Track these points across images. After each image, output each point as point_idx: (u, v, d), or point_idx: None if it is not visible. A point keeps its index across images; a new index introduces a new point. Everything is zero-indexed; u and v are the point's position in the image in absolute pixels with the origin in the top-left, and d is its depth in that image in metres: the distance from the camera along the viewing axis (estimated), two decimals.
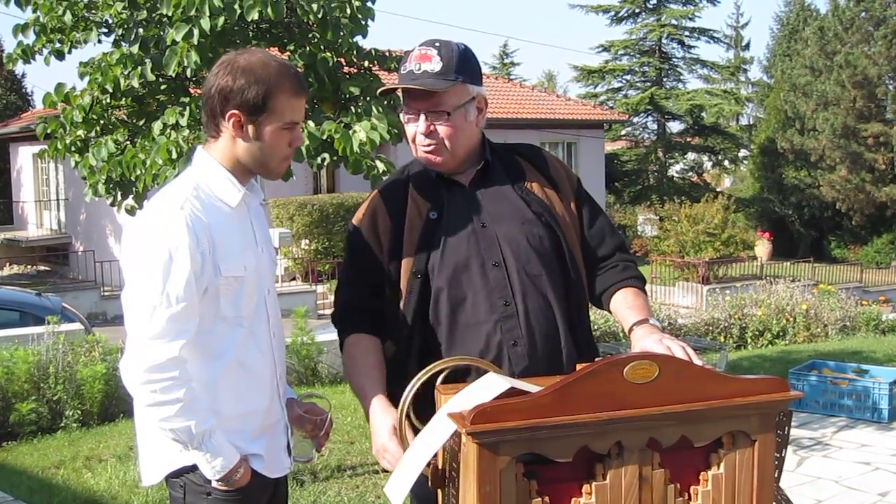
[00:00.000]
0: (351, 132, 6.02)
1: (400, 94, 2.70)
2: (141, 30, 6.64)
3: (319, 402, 2.85)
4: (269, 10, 6.03)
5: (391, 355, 2.69)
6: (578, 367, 2.39)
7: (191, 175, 2.58)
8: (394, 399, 2.47)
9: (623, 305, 2.71)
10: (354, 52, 6.81)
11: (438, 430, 2.10)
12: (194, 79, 6.90)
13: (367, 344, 2.70)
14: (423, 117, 2.65)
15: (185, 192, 2.49)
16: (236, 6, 6.09)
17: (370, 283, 2.72)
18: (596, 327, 11.53)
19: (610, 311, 2.80)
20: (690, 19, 41.18)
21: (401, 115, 2.74)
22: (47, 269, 27.35)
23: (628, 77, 42.40)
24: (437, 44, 2.65)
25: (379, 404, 2.53)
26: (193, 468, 2.49)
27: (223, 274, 2.48)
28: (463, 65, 2.65)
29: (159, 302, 2.38)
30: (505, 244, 2.65)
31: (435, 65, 2.61)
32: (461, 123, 2.67)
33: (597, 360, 2.47)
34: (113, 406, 8.49)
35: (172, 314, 2.38)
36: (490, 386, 2.08)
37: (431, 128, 2.65)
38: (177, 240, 2.40)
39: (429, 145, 2.67)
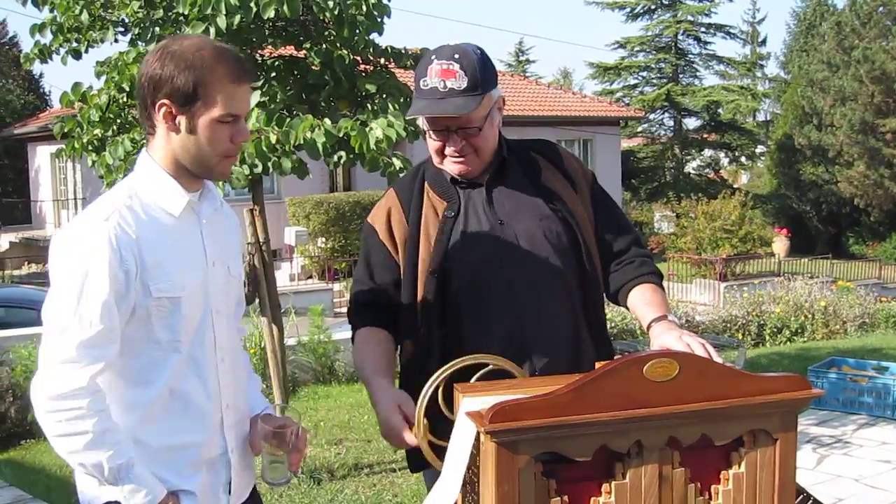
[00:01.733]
0: (367, 130, 6.01)
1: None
2: (157, 28, 6.65)
3: (290, 414, 2.61)
4: (285, 7, 6.03)
5: (410, 355, 2.68)
6: (597, 365, 2.38)
7: (129, 180, 2.34)
8: (413, 399, 2.46)
9: (641, 302, 2.69)
10: (371, 50, 6.81)
11: (466, 433, 2.09)
12: None
13: (377, 335, 2.69)
14: (454, 136, 2.61)
15: (116, 202, 2.24)
16: (252, 4, 6.09)
17: (385, 281, 2.71)
18: (613, 325, 11.51)
19: (627, 308, 2.78)
20: (706, 15, 41.11)
21: (426, 131, 2.67)
22: None
23: (644, 74, 42.37)
24: (457, 55, 2.57)
25: (381, 384, 2.52)
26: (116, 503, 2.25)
27: (154, 295, 2.22)
28: (485, 73, 2.59)
29: (70, 324, 2.16)
30: (523, 241, 2.63)
31: (461, 81, 2.54)
32: (489, 132, 2.64)
33: (616, 357, 2.46)
34: None
35: (84, 339, 2.15)
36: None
37: (463, 143, 2.62)
38: (95, 257, 2.16)
39: (460, 159, 2.64)
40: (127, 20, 6.97)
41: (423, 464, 2.45)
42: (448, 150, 2.64)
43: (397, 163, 6.22)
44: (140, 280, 2.21)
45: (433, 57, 2.58)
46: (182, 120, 2.25)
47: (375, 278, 2.73)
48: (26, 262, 27.51)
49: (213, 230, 2.43)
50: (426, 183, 2.75)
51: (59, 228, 29.50)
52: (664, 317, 2.57)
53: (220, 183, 6.32)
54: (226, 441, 2.43)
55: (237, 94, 2.29)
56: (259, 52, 7.05)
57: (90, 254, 2.16)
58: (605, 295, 2.82)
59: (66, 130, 7.04)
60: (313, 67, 6.87)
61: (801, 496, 2.23)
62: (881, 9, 32.32)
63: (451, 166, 2.67)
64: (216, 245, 2.43)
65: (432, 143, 2.67)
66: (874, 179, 31.97)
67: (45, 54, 7.14)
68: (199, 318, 2.34)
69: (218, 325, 2.40)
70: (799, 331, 13.17)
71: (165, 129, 2.28)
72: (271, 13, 6.08)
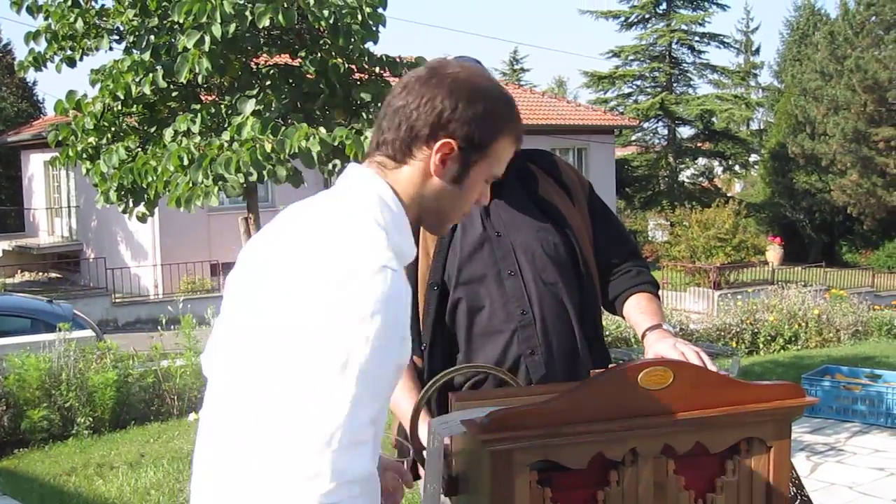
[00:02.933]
0: (362, 138, 6.02)
1: None
2: (152, 37, 6.67)
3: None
4: (280, 16, 6.05)
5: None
6: (592, 373, 2.38)
7: (370, 210, 1.81)
8: None
9: (636, 310, 2.70)
10: (366, 59, 6.83)
11: (430, 447, 2.10)
12: (205, 85, 6.92)
13: None
14: None
15: (380, 242, 1.73)
16: (248, 13, 6.11)
17: None
18: (608, 333, 11.51)
19: (623, 317, 2.78)
20: (700, 24, 41.20)
21: None
22: (58, 276, 27.42)
23: (638, 82, 42.43)
24: None
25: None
26: None
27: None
28: None
29: (363, 395, 1.64)
30: (520, 252, 2.63)
31: None
32: None
33: (611, 366, 2.47)
34: (124, 413, 8.50)
35: (373, 413, 1.66)
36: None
37: None
38: (380, 318, 1.65)
39: None
40: (122, 28, 6.99)
41: (416, 475, 2.45)
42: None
43: None
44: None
45: None
46: (454, 167, 1.88)
47: None
48: (19, 270, 27.48)
49: None
50: None
51: (52, 235, 29.48)
52: (659, 325, 2.58)
53: (216, 191, 6.33)
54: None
55: (509, 156, 1.99)
56: (254, 60, 7.06)
57: (373, 313, 1.65)
58: (602, 304, 2.82)
59: (60, 138, 7.05)
60: (308, 76, 6.89)
61: (795, 488, 2.23)
62: (874, 18, 32.41)
63: None
64: None
65: None
66: (867, 188, 32.04)
67: (39, 62, 7.15)
68: None
69: None
70: (793, 339, 13.18)
71: (426, 168, 1.87)
72: (266, 22, 6.10)
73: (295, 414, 1.62)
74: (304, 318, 1.65)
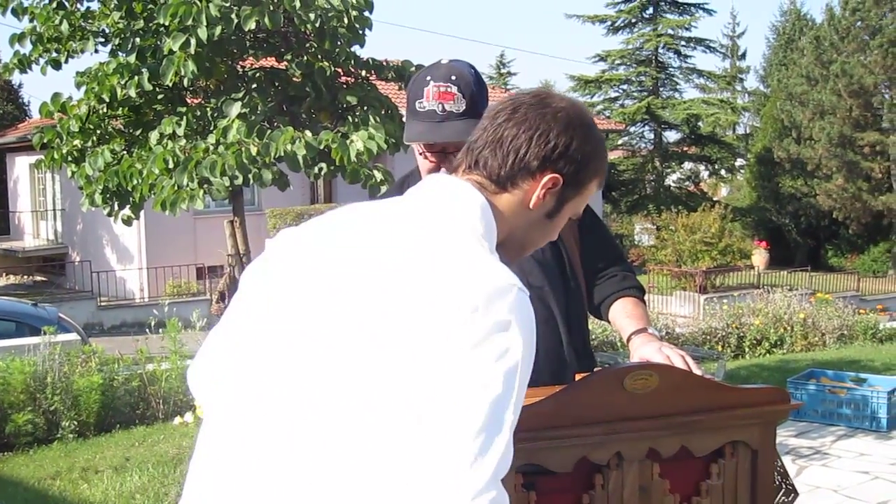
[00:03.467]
0: (348, 142, 6.02)
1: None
2: (138, 39, 6.65)
3: None
4: (266, 19, 6.04)
5: None
6: (577, 377, 2.38)
7: (476, 228, 1.74)
8: None
9: (622, 314, 2.69)
10: (352, 62, 6.83)
11: None
12: (191, 88, 6.91)
13: None
14: (451, 157, 2.52)
15: (498, 262, 1.67)
16: (234, 16, 6.10)
17: None
18: (593, 337, 11.52)
19: (608, 321, 2.78)
20: (686, 29, 41.28)
21: (417, 152, 2.61)
22: (44, 279, 27.32)
23: (625, 87, 42.50)
24: (454, 77, 2.52)
25: None
26: None
27: None
28: (480, 94, 2.55)
29: (503, 425, 1.51)
30: None
31: (459, 104, 2.50)
32: None
33: (596, 369, 2.46)
34: (109, 417, 8.46)
35: (505, 443, 1.52)
36: None
37: None
38: (524, 335, 1.55)
39: None
40: (107, 30, 6.98)
41: None
42: (443, 172, 2.60)
43: (378, 175, 6.23)
44: None
45: (428, 78, 2.53)
46: (551, 202, 1.85)
47: None
48: (4, 274, 27.38)
49: None
50: None
51: (37, 238, 29.36)
52: (644, 329, 2.58)
53: (201, 194, 6.32)
54: None
55: (593, 195, 1.97)
56: (240, 63, 7.05)
57: (518, 331, 1.55)
58: (588, 308, 2.82)
59: (45, 141, 7.03)
60: (294, 79, 6.88)
61: (780, 477, 2.23)
62: (859, 23, 32.54)
63: None
64: None
65: (426, 164, 2.62)
66: (852, 192, 32.17)
67: (24, 64, 7.13)
68: None
69: None
70: (778, 343, 13.20)
71: (526, 199, 1.82)
72: (252, 25, 6.09)
73: (446, 440, 1.47)
74: (434, 344, 1.51)
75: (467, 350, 1.50)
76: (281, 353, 1.63)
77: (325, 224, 1.77)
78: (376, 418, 1.51)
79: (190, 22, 6.03)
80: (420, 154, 2.62)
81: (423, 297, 1.55)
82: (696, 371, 2.19)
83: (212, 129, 6.54)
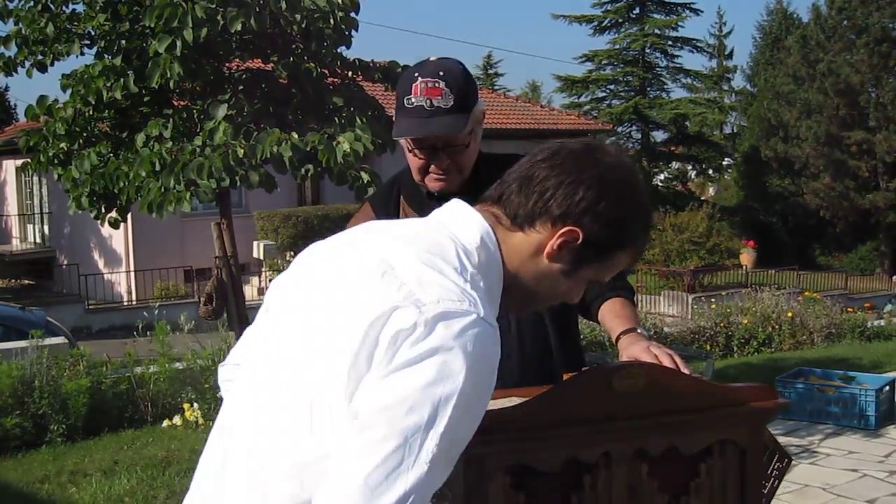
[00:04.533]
0: (335, 143, 6.01)
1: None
2: (124, 41, 6.64)
3: None
4: (252, 21, 6.03)
5: None
6: (565, 377, 2.38)
7: (472, 261, 1.66)
8: None
9: (611, 314, 2.69)
10: (338, 63, 6.82)
11: None
12: (177, 90, 6.89)
13: None
14: (440, 154, 2.55)
15: (476, 297, 1.57)
16: (219, 17, 6.09)
17: None
18: (582, 336, 11.51)
19: (598, 321, 2.78)
20: (673, 29, 41.37)
21: (406, 149, 2.60)
22: (31, 282, 27.22)
23: (612, 87, 42.56)
24: (442, 72, 2.50)
25: None
26: None
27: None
28: (469, 89, 2.54)
29: (434, 457, 1.44)
30: None
31: (447, 99, 2.47)
32: (473, 147, 2.61)
33: (584, 369, 2.46)
34: (98, 420, 8.43)
35: (420, 476, 1.42)
36: None
37: (448, 161, 2.58)
38: (468, 365, 1.47)
39: (443, 176, 2.59)
40: (93, 33, 6.95)
41: None
42: (432, 169, 2.59)
43: (365, 176, 6.22)
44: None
45: (416, 74, 2.51)
46: (567, 257, 1.73)
47: None
48: None
49: None
50: (401, 197, 2.73)
51: (24, 242, 29.24)
52: (633, 329, 2.57)
53: (188, 196, 6.30)
54: None
55: (621, 268, 1.83)
56: (226, 65, 7.03)
57: (450, 373, 1.47)
58: (577, 309, 2.82)
59: (31, 144, 7.01)
60: (281, 80, 6.87)
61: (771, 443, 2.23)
62: (845, 22, 32.67)
63: (434, 184, 2.62)
64: None
65: (415, 161, 2.61)
66: (839, 191, 32.29)
67: (9, 67, 7.11)
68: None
69: None
70: (766, 341, 13.23)
71: (541, 245, 1.72)
72: (238, 26, 6.08)
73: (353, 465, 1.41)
74: (342, 355, 1.49)
75: (388, 371, 1.45)
76: (265, 350, 1.70)
77: (341, 239, 1.78)
78: (290, 422, 1.53)
79: (176, 24, 6.01)
80: (409, 151, 2.61)
81: (351, 311, 1.52)
82: (685, 370, 2.19)
83: (198, 131, 6.52)
